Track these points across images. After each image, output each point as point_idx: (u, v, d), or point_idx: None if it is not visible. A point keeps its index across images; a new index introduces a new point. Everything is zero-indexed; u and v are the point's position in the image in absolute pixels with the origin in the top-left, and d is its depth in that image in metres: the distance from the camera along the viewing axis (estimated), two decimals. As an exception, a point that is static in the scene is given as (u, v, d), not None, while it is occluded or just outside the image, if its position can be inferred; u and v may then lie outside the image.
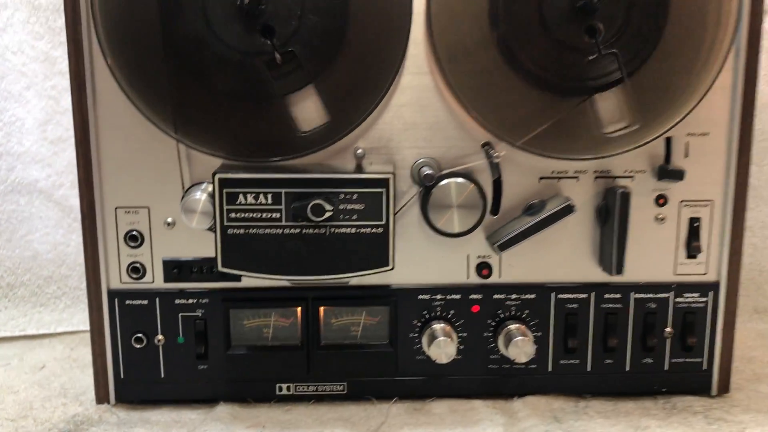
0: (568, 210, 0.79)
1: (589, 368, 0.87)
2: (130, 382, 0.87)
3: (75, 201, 1.13)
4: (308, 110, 0.76)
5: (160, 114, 0.77)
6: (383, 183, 0.76)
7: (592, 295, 0.85)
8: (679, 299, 0.86)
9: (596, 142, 0.78)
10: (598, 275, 0.84)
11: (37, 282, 1.18)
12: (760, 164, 1.14)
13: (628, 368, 0.87)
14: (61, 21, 1.07)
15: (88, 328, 0.98)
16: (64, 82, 1.11)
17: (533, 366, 0.86)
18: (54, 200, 1.17)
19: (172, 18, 0.74)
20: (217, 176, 0.75)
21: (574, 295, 0.85)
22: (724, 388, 0.87)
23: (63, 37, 1.03)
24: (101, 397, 0.87)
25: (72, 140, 1.03)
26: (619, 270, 0.81)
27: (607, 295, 0.85)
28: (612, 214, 0.80)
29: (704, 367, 0.87)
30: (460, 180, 0.79)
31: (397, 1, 0.75)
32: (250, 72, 0.75)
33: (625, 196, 0.79)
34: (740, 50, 0.79)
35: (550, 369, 0.87)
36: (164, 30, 0.74)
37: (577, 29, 0.73)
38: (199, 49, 0.75)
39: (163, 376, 0.86)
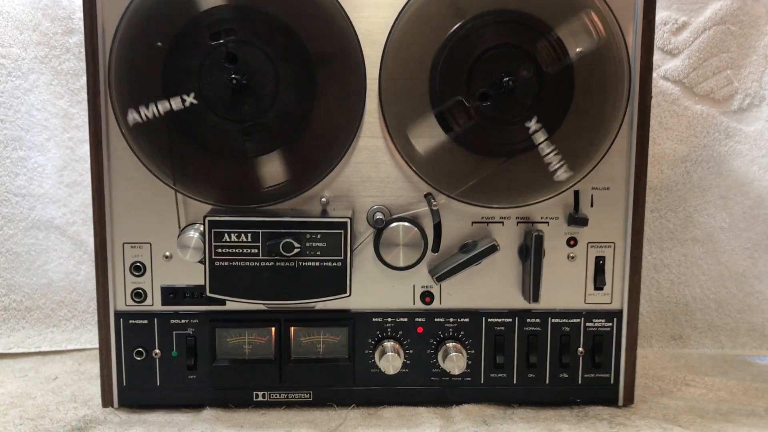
0: (492, 249, 0.87)
1: (515, 381, 0.93)
2: (131, 388, 0.91)
3: (85, 236, 1.19)
4: (278, 167, 0.86)
5: (162, 169, 0.85)
6: (342, 225, 0.84)
7: (516, 319, 0.92)
8: (588, 324, 0.92)
9: (515, 194, 0.88)
10: (521, 303, 0.91)
11: (50, 306, 1.20)
12: (675, 211, 1.21)
13: (547, 382, 0.93)
14: (78, 83, 1.16)
15: (94, 346, 1.10)
16: (79, 135, 1.17)
17: (468, 378, 0.93)
18: (67, 235, 1.19)
19: (173, 94, 0.82)
20: (207, 219, 0.83)
21: (502, 320, 0.92)
22: (629, 399, 0.94)
23: (80, 97, 1.16)
24: (106, 402, 0.91)
25: (84, 184, 1.18)
26: (536, 299, 0.88)
27: (528, 320, 0.92)
28: (530, 253, 0.88)
29: (612, 381, 0.93)
30: (406, 224, 0.87)
31: (354, 80, 0.85)
32: (234, 137, 0.84)
33: (539, 239, 0.87)
34: (633, 121, 0.87)
35: (482, 381, 0.93)
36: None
37: (497, 104, 0.84)
38: (195, 120, 0.83)
39: (158, 384, 0.91)
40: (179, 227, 0.89)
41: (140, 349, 0.91)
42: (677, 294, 1.24)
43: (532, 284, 0.89)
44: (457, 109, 0.85)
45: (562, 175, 0.86)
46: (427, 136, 0.86)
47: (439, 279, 0.89)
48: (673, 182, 1.22)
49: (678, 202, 1.23)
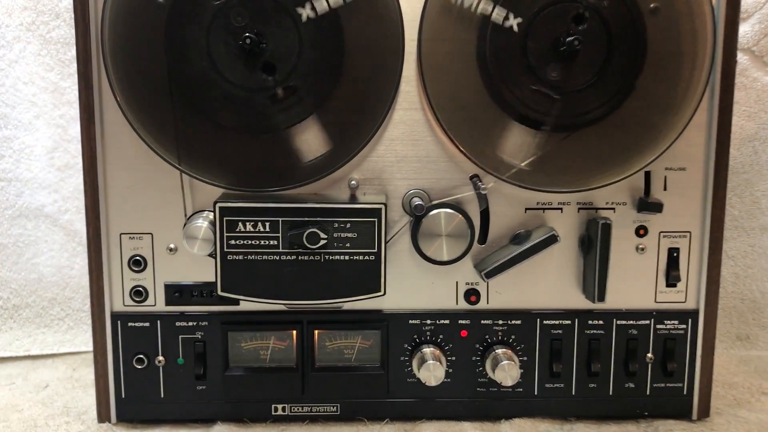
0: (552, 240, 0.81)
1: (573, 392, 0.88)
2: (131, 401, 0.87)
3: (80, 226, 1.15)
4: (310, 141, 0.79)
5: (164, 146, 0.79)
6: (375, 213, 0.78)
7: (576, 321, 0.87)
8: (659, 326, 0.87)
9: (577, 176, 0.80)
10: (581, 302, 0.86)
11: (41, 304, 1.18)
12: (741, 196, 1.16)
13: (611, 392, 0.88)
14: (70, 54, 1.12)
15: (90, 349, 1.02)
16: (72, 112, 1.13)
17: (520, 389, 0.87)
18: (59, 225, 1.17)
19: (178, 58, 0.76)
20: (218, 205, 0.78)
21: (559, 321, 0.87)
22: (705, 412, 0.88)
23: (72, 69, 1.10)
24: (103, 416, 0.87)
25: (78, 167, 1.11)
26: (601, 297, 0.82)
27: (590, 322, 0.87)
28: (594, 244, 0.82)
29: (685, 392, 0.88)
30: (449, 210, 0.80)
31: (390, 40, 0.77)
32: (252, 107, 0.77)
33: (607, 227, 0.81)
34: (715, 90, 0.81)
35: (536, 392, 0.88)
36: (170, 69, 0.77)
37: (558, 70, 0.76)
38: (204, 87, 0.77)
39: (163, 396, 0.87)
40: (185, 215, 0.84)
41: (141, 355, 0.87)
42: (743, 289, 1.19)
43: (597, 280, 0.83)
44: (514, 75, 0.77)
45: None
46: (476, 108, 0.79)
47: (488, 275, 0.83)
48: (739, 163, 1.17)
49: (744, 186, 1.18)
